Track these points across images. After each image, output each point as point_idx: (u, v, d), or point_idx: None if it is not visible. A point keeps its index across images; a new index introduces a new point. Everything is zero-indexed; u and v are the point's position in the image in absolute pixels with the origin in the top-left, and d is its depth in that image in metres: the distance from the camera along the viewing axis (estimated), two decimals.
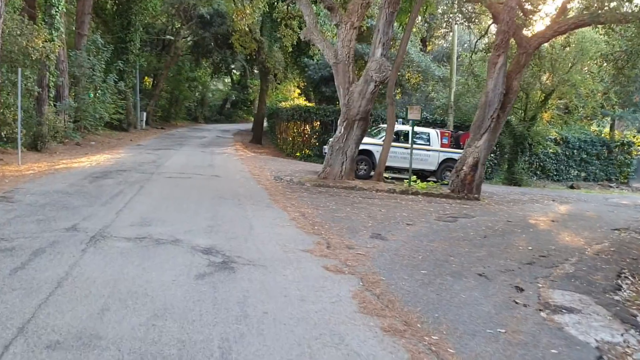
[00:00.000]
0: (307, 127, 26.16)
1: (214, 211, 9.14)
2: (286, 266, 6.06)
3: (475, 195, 15.49)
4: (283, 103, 32.32)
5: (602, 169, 32.03)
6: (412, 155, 16.17)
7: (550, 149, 27.68)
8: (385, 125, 19.78)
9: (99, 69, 26.34)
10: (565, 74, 22.62)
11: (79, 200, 9.37)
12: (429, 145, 19.42)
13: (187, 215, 8.55)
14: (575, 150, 30.36)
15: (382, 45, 14.27)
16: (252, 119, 46.23)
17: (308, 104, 28.44)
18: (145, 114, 39.59)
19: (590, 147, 31.25)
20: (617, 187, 30.65)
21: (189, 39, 48.34)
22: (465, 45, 33.83)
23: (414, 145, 18.89)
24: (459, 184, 15.56)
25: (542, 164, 29.21)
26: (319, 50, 22.21)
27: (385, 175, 16.94)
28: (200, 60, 53.08)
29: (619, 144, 32.75)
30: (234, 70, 63.82)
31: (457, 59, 26.04)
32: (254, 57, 40.08)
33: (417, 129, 19.52)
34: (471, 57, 22.01)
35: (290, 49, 25.32)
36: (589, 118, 31.67)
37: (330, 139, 17.80)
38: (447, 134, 20.18)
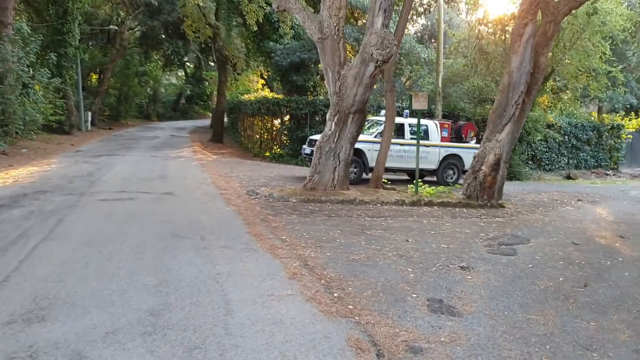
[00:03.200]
0: (276, 123, 22.68)
1: (163, 269, 5.67)
2: None
3: (499, 202, 12.43)
4: (245, 95, 28.74)
5: (593, 155, 29.57)
6: (418, 155, 12.93)
7: (550, 137, 24.91)
8: (377, 118, 16.60)
9: (25, 62, 22.23)
10: (570, 50, 19.76)
11: None
12: (428, 139, 16.21)
13: (115, 285, 5.07)
14: (566, 136, 27.67)
15: (384, 12, 10.90)
16: (210, 115, 42.43)
17: (276, 96, 24.93)
18: (90, 113, 35.29)
19: (581, 132, 28.69)
20: (613, 175, 28.31)
21: (136, 29, 44.12)
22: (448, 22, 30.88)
23: (410, 141, 15.83)
24: (477, 188, 12.47)
25: (533, 152, 26.35)
26: (290, 29, 18.81)
27: (383, 179, 13.69)
28: (150, 52, 48.88)
29: (608, 127, 30.35)
30: (187, 63, 59.65)
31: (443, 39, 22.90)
32: (210, 45, 36.33)
33: (412, 120, 16.36)
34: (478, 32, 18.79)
35: (255, 29, 21.69)
36: (579, 100, 29.25)
37: (315, 137, 14.48)
38: (446, 126, 17.04)
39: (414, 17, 30.53)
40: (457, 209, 11.40)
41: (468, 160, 16.27)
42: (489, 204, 12.09)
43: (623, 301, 5.40)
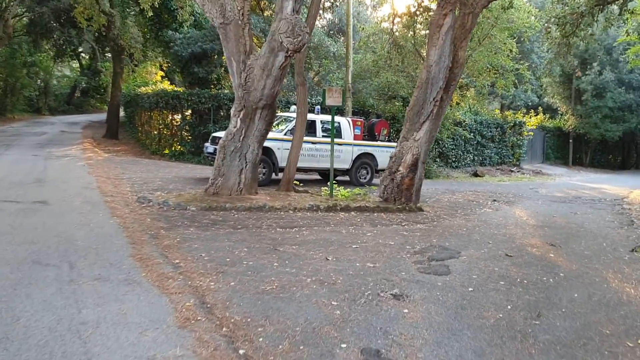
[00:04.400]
0: (177, 118, 20.92)
1: (8, 318, 4.15)
2: None
3: (418, 205, 11.65)
4: (143, 88, 26.59)
5: (497, 152, 30.07)
6: (333, 155, 11.90)
7: (459, 134, 24.81)
8: (286, 114, 15.43)
9: None
10: (480, 46, 19.53)
11: None
12: (340, 138, 15.23)
13: None
14: (472, 134, 27.77)
15: None
16: (107, 109, 39.40)
17: (176, 89, 23.10)
18: None
19: (486, 130, 29.05)
20: (517, 172, 28.87)
21: (23, 16, 40.16)
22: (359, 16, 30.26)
23: (322, 139, 14.81)
24: (394, 190, 11.63)
25: (441, 150, 26.16)
26: (190, 15, 17.17)
27: (295, 181, 12.54)
28: (40, 41, 44.82)
29: (511, 124, 30.99)
30: (82, 53, 55.53)
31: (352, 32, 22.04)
32: (105, 34, 33.58)
33: (324, 117, 15.35)
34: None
35: (151, 14, 19.76)
36: (486, 98, 29.57)
37: (218, 134, 13.09)
38: (359, 123, 16.16)
39: (321, 11, 29.59)
40: (375, 214, 10.46)
41: (382, 159, 15.52)
42: (407, 208, 11.29)
43: (588, 337, 4.53)
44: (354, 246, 7.41)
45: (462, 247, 7.81)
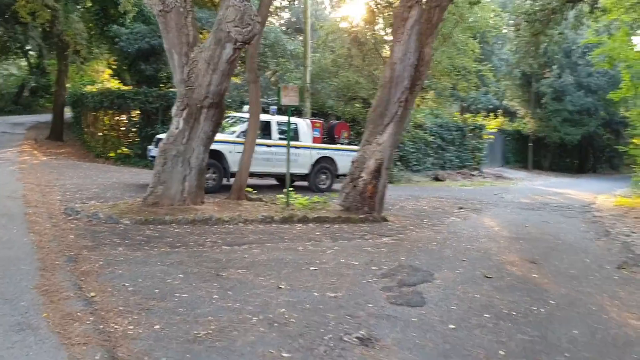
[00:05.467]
0: (124, 118, 19.50)
1: None
2: None
3: (382, 215, 10.72)
4: (89, 87, 24.96)
5: (457, 156, 29.52)
6: (289, 159, 10.84)
7: (420, 137, 24.11)
8: (239, 114, 14.30)
9: None
10: (442, 46, 18.82)
11: None
12: (298, 140, 14.18)
13: None
14: (432, 137, 27.08)
15: None
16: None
17: (123, 88, 21.63)
18: None
19: (446, 133, 28.48)
20: (479, 175, 28.38)
21: None
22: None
23: (278, 142, 13.75)
24: (356, 198, 10.67)
25: (401, 153, 25.29)
26: (133, 6, 15.80)
27: (247, 187, 11.43)
28: None
29: (471, 128, 30.53)
30: (30, 51, 52.93)
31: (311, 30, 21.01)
32: (50, 30, 31.67)
33: (280, 118, 14.28)
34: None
35: (90, 5, 18.26)
36: (448, 101, 29.02)
37: (162, 136, 11.82)
38: (318, 125, 15.17)
39: (278, 9, 28.49)
40: (336, 226, 9.47)
41: (342, 163, 14.58)
42: (370, 217, 10.35)
43: None
44: (311, 268, 6.36)
45: (434, 267, 6.85)
